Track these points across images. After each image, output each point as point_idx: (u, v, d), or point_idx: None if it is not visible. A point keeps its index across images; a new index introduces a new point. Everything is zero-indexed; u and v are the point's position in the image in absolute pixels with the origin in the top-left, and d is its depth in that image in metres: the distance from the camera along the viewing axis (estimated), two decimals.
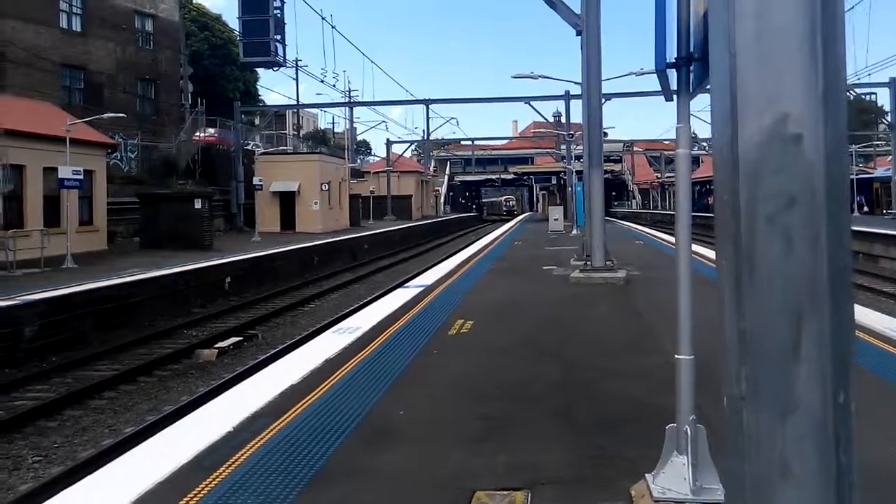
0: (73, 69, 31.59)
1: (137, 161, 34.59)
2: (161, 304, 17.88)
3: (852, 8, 55.27)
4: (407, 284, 15.14)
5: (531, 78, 23.14)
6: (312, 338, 9.47)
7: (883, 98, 48.93)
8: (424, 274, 17.39)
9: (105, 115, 21.70)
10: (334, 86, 55.43)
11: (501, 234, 36.43)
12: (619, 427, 5.16)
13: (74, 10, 31.82)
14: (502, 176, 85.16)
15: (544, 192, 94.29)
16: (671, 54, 3.89)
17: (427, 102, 47.51)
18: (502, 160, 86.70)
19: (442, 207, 79.84)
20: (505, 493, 3.96)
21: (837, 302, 1.90)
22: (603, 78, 14.98)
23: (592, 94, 15.14)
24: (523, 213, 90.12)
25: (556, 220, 36.34)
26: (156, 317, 17.48)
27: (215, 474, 4.25)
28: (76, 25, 31.97)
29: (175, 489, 4.06)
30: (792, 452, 1.89)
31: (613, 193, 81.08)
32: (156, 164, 34.98)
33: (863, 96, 61.06)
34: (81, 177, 20.02)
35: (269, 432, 5.02)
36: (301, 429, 5.12)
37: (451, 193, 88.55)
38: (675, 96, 4.06)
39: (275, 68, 32.84)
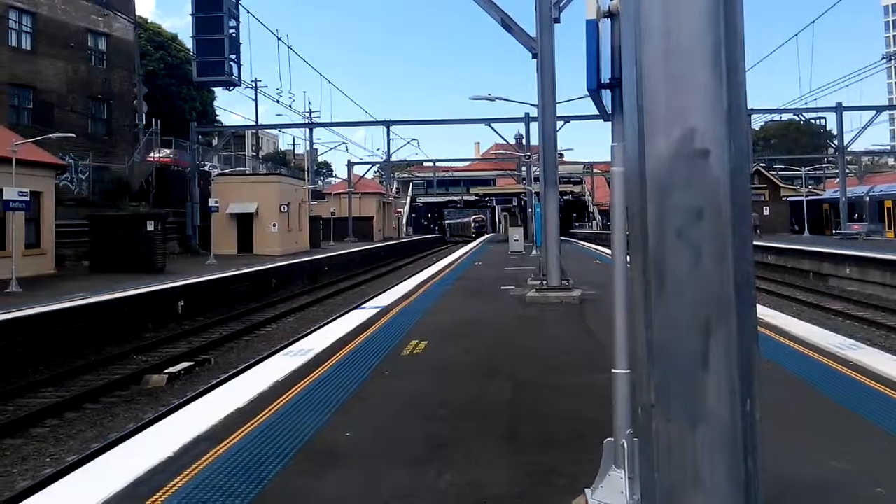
0: (21, 88, 30.93)
1: (89, 182, 33.89)
2: (109, 329, 17.43)
3: (796, 35, 57.14)
4: (363, 306, 15.04)
5: (488, 100, 23.44)
6: (264, 361, 9.32)
7: (831, 122, 50.70)
8: (382, 295, 17.31)
9: (53, 135, 21.24)
10: (290, 106, 55.25)
11: (463, 255, 36.54)
12: (564, 444, 5.18)
13: (24, 28, 31.25)
14: (464, 197, 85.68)
15: (506, 213, 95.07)
16: (606, 75, 3.98)
17: (388, 124, 47.67)
18: (464, 182, 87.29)
19: (404, 229, 79.84)
20: None
21: (743, 313, 1.95)
22: (562, 100, 15.30)
23: (547, 116, 15.38)
24: (486, 234, 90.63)
25: (516, 240, 36.62)
26: (104, 342, 17.03)
27: (147, 503, 4.13)
28: (25, 44, 31.38)
29: None
30: (703, 460, 1.91)
31: (574, 214, 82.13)
32: (108, 185, 34.31)
33: (811, 121, 63.12)
34: (28, 198, 19.50)
35: (209, 457, 4.90)
36: (242, 453, 5.02)
37: (413, 215, 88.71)
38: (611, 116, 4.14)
39: (230, 88, 32.60)
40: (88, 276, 24.30)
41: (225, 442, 5.24)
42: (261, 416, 5.95)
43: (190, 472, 4.64)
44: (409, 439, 5.38)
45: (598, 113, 4.32)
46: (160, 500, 4.18)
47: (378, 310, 13.51)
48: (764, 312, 12.12)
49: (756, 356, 1.87)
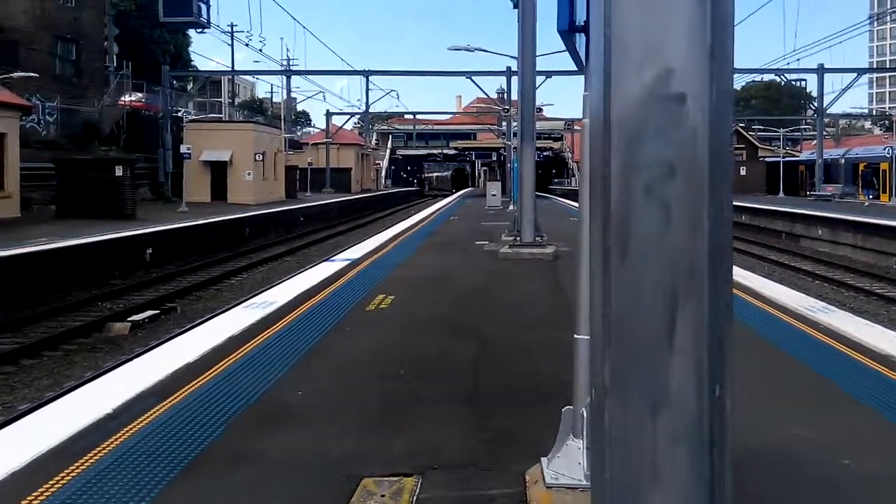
0: None
1: (57, 125, 32.77)
2: (73, 275, 16.97)
3: None
4: (333, 258, 14.73)
5: (467, 50, 22.79)
6: (224, 313, 9.02)
7: (812, 84, 50.51)
8: (354, 247, 17.00)
9: (15, 74, 20.33)
10: (261, 50, 53.45)
11: (440, 209, 36.22)
12: (526, 406, 4.99)
13: None
14: (444, 151, 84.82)
15: (486, 167, 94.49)
16: (581, 16, 3.64)
17: (367, 73, 46.59)
18: (445, 135, 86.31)
19: (383, 181, 79.03)
20: (394, 479, 3.72)
21: (716, 285, 1.69)
22: (543, 52, 14.80)
23: (526, 69, 14.94)
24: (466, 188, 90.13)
25: (493, 195, 36.29)
26: (67, 289, 16.59)
27: (79, 462, 3.87)
28: None
29: (28, 481, 3.68)
30: (663, 454, 1.67)
31: (554, 171, 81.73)
32: (77, 128, 33.22)
33: (793, 82, 62.95)
34: None
35: (152, 414, 4.64)
36: (187, 411, 4.76)
37: (392, 167, 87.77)
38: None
39: (200, 30, 31.45)
40: (55, 221, 23.65)
41: (170, 399, 4.98)
42: (211, 371, 5.69)
43: (129, 429, 4.39)
44: (364, 399, 5.16)
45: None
46: (94, 458, 3.93)
47: (348, 262, 13.22)
48: (737, 273, 12.03)
49: (730, 336, 1.60)
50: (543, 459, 3.61)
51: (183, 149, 32.36)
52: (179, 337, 7.26)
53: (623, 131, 1.61)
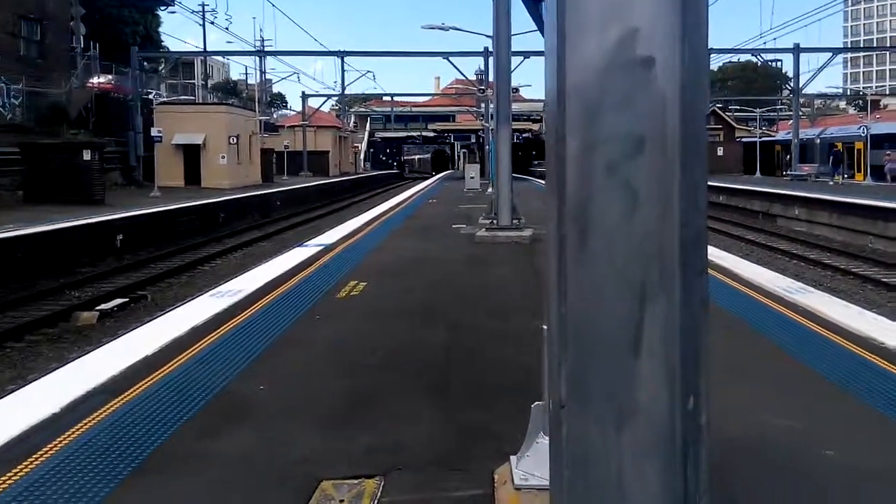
0: None
1: (22, 108, 31.86)
2: (40, 263, 16.50)
3: None
4: (306, 243, 14.43)
5: (442, 29, 22.40)
6: (189, 302, 8.72)
7: (788, 64, 50.60)
8: (329, 232, 16.69)
9: None
10: (227, 28, 51.98)
11: (418, 192, 35.90)
12: (497, 399, 4.79)
13: None
14: (423, 133, 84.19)
15: (465, 150, 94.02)
16: None
17: (342, 54, 45.87)
18: (424, 117, 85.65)
19: (362, 164, 78.39)
20: (355, 481, 3.51)
21: (689, 279, 1.47)
22: (519, 32, 14.51)
23: (502, 50, 14.66)
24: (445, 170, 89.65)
25: (472, 177, 36.03)
26: (33, 277, 16.12)
27: (16, 469, 3.61)
28: None
29: None
30: (629, 474, 1.46)
31: (534, 153, 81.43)
32: (44, 111, 32.31)
33: (769, 62, 63.04)
34: None
35: (101, 413, 4.37)
36: (139, 409, 4.50)
37: (371, 150, 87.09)
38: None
39: (163, 7, 30.63)
40: (22, 207, 23.05)
41: (122, 395, 4.71)
42: (169, 365, 5.42)
43: (76, 430, 4.12)
44: (329, 393, 4.93)
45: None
46: (33, 464, 3.66)
47: (321, 248, 12.93)
48: (713, 253, 11.92)
49: (704, 337, 1.38)
50: (513, 458, 3.42)
51: (153, 132, 31.69)
52: (140, 328, 6.96)
53: (581, 102, 1.38)
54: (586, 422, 1.40)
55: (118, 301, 14.19)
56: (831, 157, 41.49)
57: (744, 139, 56.75)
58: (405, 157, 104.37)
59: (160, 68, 49.33)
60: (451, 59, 39.69)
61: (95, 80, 37.04)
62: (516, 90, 52.81)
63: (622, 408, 1.39)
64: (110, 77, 38.93)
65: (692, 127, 1.40)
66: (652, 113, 1.38)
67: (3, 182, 25.59)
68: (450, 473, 3.62)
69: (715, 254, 11.96)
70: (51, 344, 11.64)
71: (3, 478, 3.55)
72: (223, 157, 37.11)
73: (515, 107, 18.83)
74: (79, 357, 5.96)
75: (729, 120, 59.88)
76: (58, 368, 5.52)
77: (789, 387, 5.19)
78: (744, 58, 65.31)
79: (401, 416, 4.47)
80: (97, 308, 13.54)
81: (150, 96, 39.15)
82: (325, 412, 4.56)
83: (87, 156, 24.68)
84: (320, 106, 61.49)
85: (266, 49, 51.57)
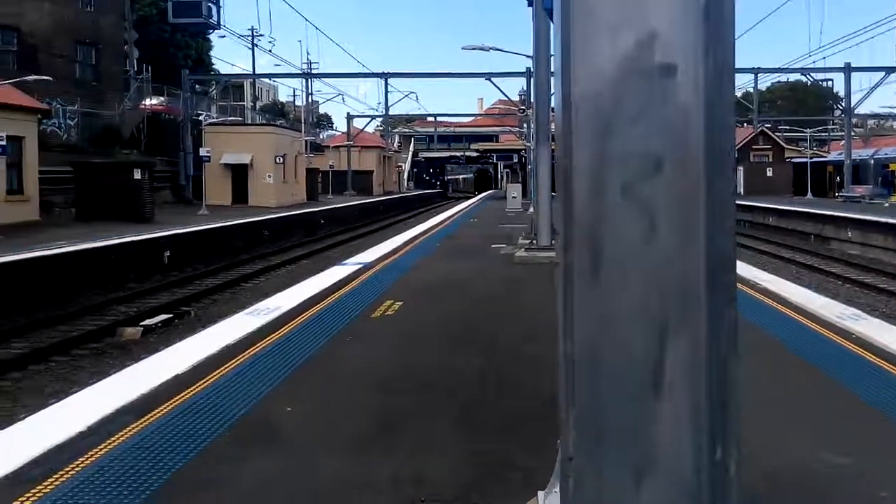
0: (4, 30, 29.79)
1: (77, 129, 32.98)
2: (89, 278, 16.89)
3: None
4: (345, 262, 14.44)
5: (482, 49, 22.43)
6: (226, 320, 8.73)
7: (839, 84, 49.27)
8: (368, 251, 16.71)
9: (29, 78, 20.38)
10: (270, 51, 53.69)
11: (460, 211, 35.88)
12: (530, 429, 4.59)
13: None
14: (466, 153, 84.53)
15: (507, 169, 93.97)
16: None
17: (385, 76, 46.39)
18: (467, 137, 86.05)
19: (406, 184, 78.93)
20: None
21: (717, 311, 1.31)
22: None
23: (541, 68, 14.56)
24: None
25: (514, 197, 35.91)
26: (82, 292, 16.50)
27: (36, 489, 3.57)
28: None
29: None
30: None
31: None
32: (98, 132, 33.41)
33: (819, 82, 61.61)
34: (4, 142, 18.76)
35: (124, 434, 4.33)
36: (164, 430, 4.45)
37: (415, 170, 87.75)
38: None
39: (209, 32, 31.45)
40: (74, 224, 23.71)
41: (149, 415, 4.67)
42: (198, 384, 5.38)
43: (96, 452, 4.08)
44: (355, 417, 4.82)
45: None
46: (48, 488, 3.62)
47: (359, 266, 12.91)
48: (760, 277, 11.51)
49: (734, 376, 1.21)
50: (540, 493, 3.24)
51: (202, 151, 32.41)
52: (175, 345, 6.98)
53: (591, 114, 1.24)
54: (598, 475, 1.24)
55: (162, 317, 14.39)
56: (884, 179, 40.13)
57: (794, 160, 55.36)
58: (448, 177, 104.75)
59: (210, 90, 50.63)
60: (492, 79, 39.78)
61: (148, 101, 38.17)
62: (554, 109, 52.57)
63: (640, 458, 1.23)
64: (162, 99, 40.09)
65: (718, 141, 1.25)
66: (672, 126, 1.24)
67: (57, 200, 26.42)
68: None
69: (763, 277, 11.55)
70: (94, 358, 11.82)
71: (21, 498, 3.51)
72: (269, 177, 37.71)
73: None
74: (116, 372, 5.98)
75: (778, 140, 58.54)
76: (95, 383, 5.53)
77: (840, 421, 4.88)
78: (793, 77, 63.84)
79: (426, 445, 4.32)
80: (141, 324, 13.75)
81: (201, 117, 40.11)
82: (350, 438, 4.44)
83: (137, 175, 25.32)
84: (365, 126, 62.23)
85: (312, 71, 52.45)
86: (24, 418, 5.04)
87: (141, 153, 33.90)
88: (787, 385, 5.60)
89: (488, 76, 39.34)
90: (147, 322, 13.92)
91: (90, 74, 34.58)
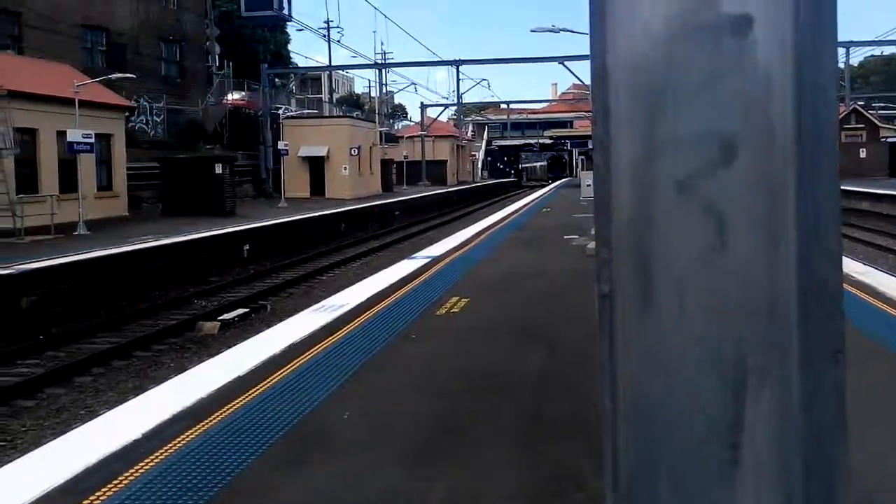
0: (94, 30, 31.11)
1: (164, 125, 34.26)
2: (173, 272, 17.44)
3: None
4: (414, 255, 14.32)
5: (553, 32, 21.84)
6: (293, 317, 8.71)
7: None
8: (438, 243, 16.56)
9: (114, 76, 21.17)
10: (339, 41, 54.40)
11: (533, 200, 35.37)
12: (596, 438, 4.25)
13: None
14: (540, 140, 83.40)
15: (582, 156, 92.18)
16: None
17: (457, 63, 46.14)
18: (541, 124, 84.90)
19: (479, 173, 78.67)
20: None
21: (813, 350, 0.98)
22: None
23: None
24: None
25: (588, 185, 34.94)
26: (166, 286, 17.05)
27: (88, 500, 3.51)
28: None
29: None
30: None
31: None
32: (183, 128, 34.61)
33: None
34: (92, 140, 19.56)
35: (180, 441, 4.28)
36: (220, 436, 4.38)
37: (488, 158, 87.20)
38: None
39: (280, 24, 31.94)
40: (160, 219, 24.60)
41: (206, 420, 4.62)
42: (258, 387, 5.31)
43: (150, 460, 4.03)
44: (413, 423, 4.63)
45: None
46: (100, 499, 3.55)
47: (428, 260, 12.75)
48: (854, 269, 10.48)
49: (842, 439, 0.85)
50: None
51: (280, 145, 33.10)
52: (239, 345, 6.97)
53: (635, 90, 0.92)
54: None
55: (239, 311, 14.68)
56: None
57: (889, 139, 51.87)
58: (522, 165, 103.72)
59: (289, 84, 51.73)
60: (565, 63, 38.88)
61: (229, 96, 39.26)
62: None
63: None
64: (243, 93, 41.18)
65: (815, 121, 0.90)
66: (748, 99, 0.90)
67: (145, 195, 27.52)
68: None
69: (858, 269, 10.61)
70: (174, 353, 12.15)
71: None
72: (345, 168, 38.20)
73: None
74: (179, 375, 5.98)
75: (872, 118, 54.97)
76: (156, 386, 5.53)
77: None
78: (888, 51, 59.86)
79: (484, 455, 4.08)
80: (219, 318, 14.05)
81: (280, 111, 41.00)
82: (406, 446, 4.28)
83: (218, 169, 26.03)
84: (438, 116, 62.26)
85: (387, 62, 52.79)
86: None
87: (224, 147, 34.90)
88: (883, 389, 5.02)
89: (561, 60, 38.52)
90: (225, 316, 14.22)
91: (174, 71, 35.87)
